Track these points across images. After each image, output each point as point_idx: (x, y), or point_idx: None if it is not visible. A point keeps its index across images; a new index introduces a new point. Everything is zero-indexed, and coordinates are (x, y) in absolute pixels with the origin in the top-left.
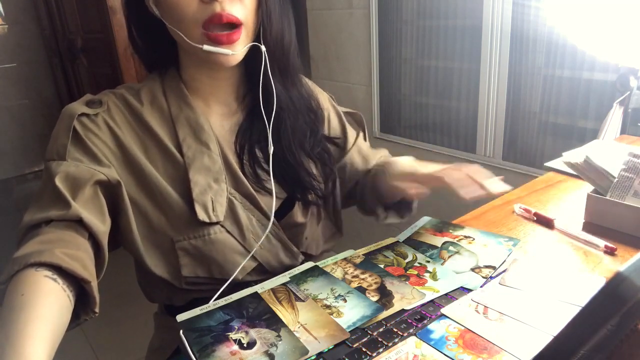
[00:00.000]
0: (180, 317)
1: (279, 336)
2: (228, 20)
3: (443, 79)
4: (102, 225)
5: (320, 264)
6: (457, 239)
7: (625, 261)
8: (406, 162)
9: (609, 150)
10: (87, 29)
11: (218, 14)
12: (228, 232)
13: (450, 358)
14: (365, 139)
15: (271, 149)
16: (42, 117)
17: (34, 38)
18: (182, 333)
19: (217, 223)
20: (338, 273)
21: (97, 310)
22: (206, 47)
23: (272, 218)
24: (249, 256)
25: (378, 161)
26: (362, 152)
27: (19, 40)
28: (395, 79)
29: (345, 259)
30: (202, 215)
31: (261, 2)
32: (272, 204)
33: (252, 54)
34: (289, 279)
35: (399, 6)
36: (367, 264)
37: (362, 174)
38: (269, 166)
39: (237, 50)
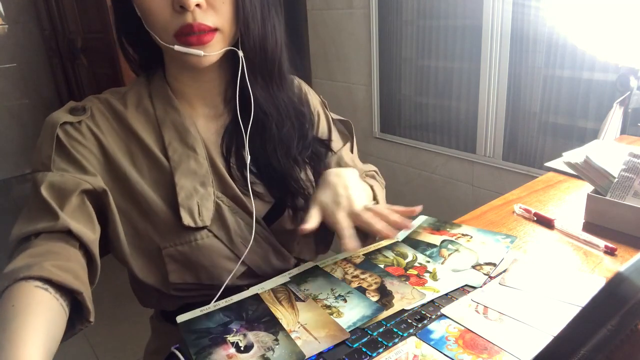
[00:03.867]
0: (180, 318)
1: (276, 340)
2: (199, 30)
3: (443, 79)
4: (91, 234)
5: (320, 264)
6: (455, 237)
7: (625, 261)
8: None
9: (609, 151)
10: (87, 29)
11: (189, 24)
12: (215, 236)
13: (450, 358)
14: (351, 151)
15: (248, 158)
16: (42, 117)
17: (34, 38)
18: (174, 348)
19: (203, 228)
20: (338, 273)
21: (91, 319)
22: (177, 47)
23: (254, 221)
24: (240, 261)
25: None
26: (342, 162)
27: (19, 40)
28: (395, 79)
29: (345, 259)
30: (187, 220)
31: (238, 7)
32: (261, 208)
33: (237, 58)
34: (289, 279)
35: (399, 6)
36: (367, 264)
37: None
38: (256, 169)
39: (209, 52)
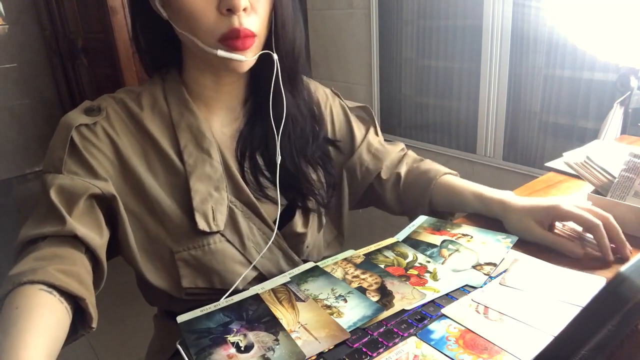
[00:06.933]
0: (181, 318)
1: (276, 340)
2: (245, 35)
3: (443, 79)
4: (99, 239)
5: (320, 264)
6: (455, 237)
7: (625, 261)
8: (470, 193)
9: (609, 151)
10: (88, 29)
11: (236, 29)
12: (228, 241)
13: (451, 358)
14: (376, 134)
15: (279, 159)
16: (43, 117)
17: (35, 38)
18: (179, 344)
19: (217, 232)
20: (338, 273)
21: (94, 325)
22: (221, 52)
23: (276, 229)
24: (251, 266)
25: (408, 166)
26: (372, 149)
27: (19, 40)
28: (395, 79)
29: (345, 259)
30: (202, 225)
31: (276, 12)
32: (273, 212)
33: (260, 60)
34: (290, 279)
35: (399, 6)
36: (368, 264)
37: (375, 174)
38: (270, 173)
39: (249, 57)
